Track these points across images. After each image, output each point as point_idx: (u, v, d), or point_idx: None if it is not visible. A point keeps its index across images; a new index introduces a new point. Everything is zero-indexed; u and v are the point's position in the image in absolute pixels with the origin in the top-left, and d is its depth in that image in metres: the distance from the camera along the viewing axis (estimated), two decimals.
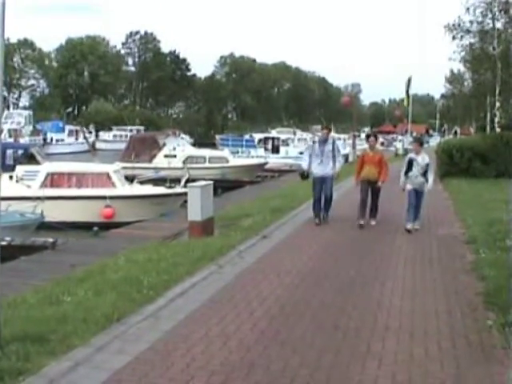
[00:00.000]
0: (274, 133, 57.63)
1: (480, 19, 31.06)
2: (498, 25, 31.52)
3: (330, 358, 5.80)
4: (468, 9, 30.57)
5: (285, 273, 9.17)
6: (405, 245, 11.77)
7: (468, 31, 31.52)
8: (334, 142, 14.20)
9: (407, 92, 47.43)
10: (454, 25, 31.23)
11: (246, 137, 53.38)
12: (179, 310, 7.21)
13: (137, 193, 20.87)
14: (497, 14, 31.04)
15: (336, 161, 13.98)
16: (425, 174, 13.00)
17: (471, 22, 31.21)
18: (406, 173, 13.05)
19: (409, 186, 13.03)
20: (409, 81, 47.23)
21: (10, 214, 15.19)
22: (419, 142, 13.91)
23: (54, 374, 5.24)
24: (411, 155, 13.33)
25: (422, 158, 13.02)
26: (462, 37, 31.56)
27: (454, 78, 62.95)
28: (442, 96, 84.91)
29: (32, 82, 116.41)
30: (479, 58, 32.93)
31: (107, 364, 5.52)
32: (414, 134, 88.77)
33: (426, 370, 5.52)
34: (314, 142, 14.57)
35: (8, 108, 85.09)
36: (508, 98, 32.89)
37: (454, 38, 31.52)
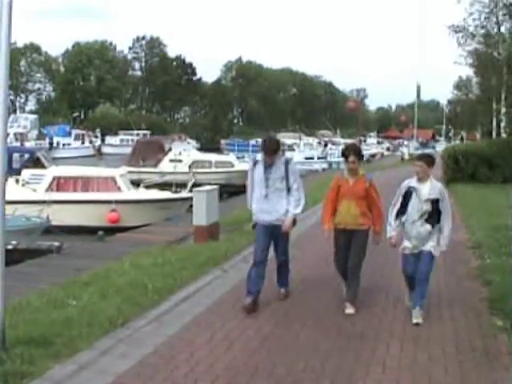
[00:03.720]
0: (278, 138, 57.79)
1: (484, 23, 31.08)
2: (503, 29, 31.54)
3: (335, 363, 5.80)
4: (472, 14, 30.61)
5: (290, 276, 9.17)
6: None
7: (473, 35, 31.51)
8: (287, 164, 7.81)
9: (417, 97, 47.52)
10: (458, 26, 31.23)
11: (252, 142, 53.41)
12: (183, 315, 7.22)
13: (142, 197, 20.88)
14: (501, 18, 31.04)
15: (291, 199, 7.82)
16: (433, 217, 7.18)
17: (476, 27, 31.24)
18: (399, 214, 7.38)
19: (406, 247, 7.36)
20: (418, 88, 47.27)
21: (16, 217, 15.22)
22: (428, 159, 7.43)
23: (59, 377, 5.26)
24: (411, 182, 7.35)
25: (431, 188, 7.21)
26: (466, 40, 31.57)
27: (461, 84, 62.92)
28: (449, 102, 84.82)
29: (38, 86, 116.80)
30: (485, 63, 32.91)
31: (111, 368, 5.54)
32: (420, 140, 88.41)
33: (429, 375, 5.52)
34: (255, 162, 7.95)
35: (15, 112, 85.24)
36: None
37: (459, 41, 31.53)
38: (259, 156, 7.88)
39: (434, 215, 7.18)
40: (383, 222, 7.65)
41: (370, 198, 7.68)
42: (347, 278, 7.78)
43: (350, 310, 7.54)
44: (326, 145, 56.97)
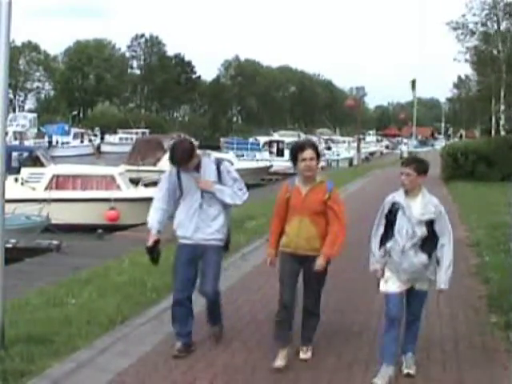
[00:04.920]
0: (276, 136, 57.58)
1: (484, 21, 31.11)
2: (503, 27, 31.56)
3: (333, 361, 5.81)
4: (472, 8, 30.63)
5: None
6: None
7: (472, 32, 31.53)
8: (218, 166, 6.09)
9: (413, 94, 47.51)
10: (457, 23, 31.24)
11: (251, 140, 53.36)
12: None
13: (142, 195, 20.84)
14: (501, 16, 31.06)
15: (224, 212, 6.10)
16: (430, 244, 5.42)
17: (476, 24, 31.26)
18: (384, 240, 5.55)
19: (391, 283, 5.50)
20: (413, 83, 47.23)
21: (15, 216, 15.22)
22: (418, 165, 5.52)
23: (58, 375, 5.27)
24: (396, 197, 5.55)
25: (424, 205, 5.45)
26: (465, 36, 31.59)
27: (460, 82, 63.04)
28: (448, 100, 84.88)
29: (37, 84, 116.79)
30: (484, 60, 32.94)
31: (110, 366, 5.55)
32: (419, 138, 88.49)
33: (428, 373, 5.52)
34: (176, 171, 6.08)
35: (14, 110, 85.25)
36: None
37: (458, 38, 31.55)
38: None
39: (431, 241, 5.37)
40: (340, 247, 5.67)
41: (331, 213, 5.66)
42: (292, 317, 5.79)
43: (305, 355, 5.85)
44: (329, 148, 56.14)
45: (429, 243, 5.38)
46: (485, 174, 25.41)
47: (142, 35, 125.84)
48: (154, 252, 6.13)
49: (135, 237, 15.03)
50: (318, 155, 5.74)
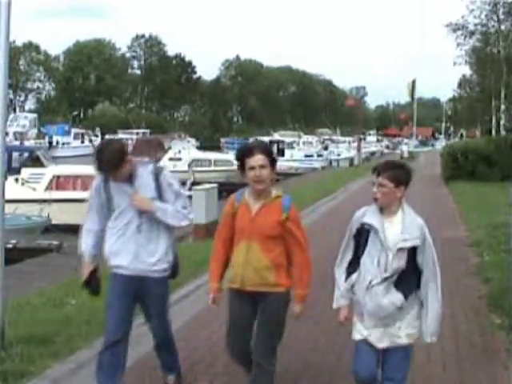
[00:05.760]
0: (276, 136, 57.65)
1: (485, 21, 31.12)
2: (503, 27, 31.56)
3: (333, 361, 5.81)
4: (472, 10, 30.63)
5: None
6: None
7: (472, 33, 31.55)
8: (157, 176, 4.75)
9: (412, 95, 47.52)
10: (456, 24, 31.26)
11: (252, 140, 53.38)
12: (183, 313, 7.21)
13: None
14: (502, 16, 31.06)
15: (168, 233, 4.83)
16: (408, 281, 4.09)
17: (476, 25, 31.26)
18: (351, 269, 4.23)
19: (358, 330, 4.20)
20: (413, 83, 47.27)
21: (15, 216, 15.22)
22: (395, 173, 4.10)
23: (58, 375, 5.27)
24: (367, 214, 4.17)
25: (404, 227, 4.07)
26: (465, 37, 31.60)
27: (464, 82, 63.05)
28: (449, 99, 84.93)
29: (38, 84, 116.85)
30: (484, 60, 32.96)
31: None
32: (420, 138, 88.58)
33: (428, 373, 5.52)
34: (104, 182, 4.72)
35: (14, 111, 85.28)
36: None
37: (457, 42, 31.57)
38: None
39: (410, 276, 4.05)
40: (309, 284, 4.44)
41: (290, 239, 4.37)
42: (251, 366, 4.51)
43: None
44: (326, 148, 55.83)
45: (407, 279, 4.01)
46: (485, 174, 25.40)
47: (143, 35, 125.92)
48: (91, 284, 4.99)
49: None
50: (274, 161, 4.38)
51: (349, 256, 4.21)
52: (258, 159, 4.28)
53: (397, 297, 4.00)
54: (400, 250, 3.97)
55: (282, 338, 4.53)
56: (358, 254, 4.12)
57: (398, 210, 4.07)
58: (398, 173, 4.06)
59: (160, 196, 4.67)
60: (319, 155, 51.38)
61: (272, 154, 4.44)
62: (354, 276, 4.12)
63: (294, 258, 4.38)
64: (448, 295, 8.19)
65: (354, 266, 4.15)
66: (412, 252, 4.01)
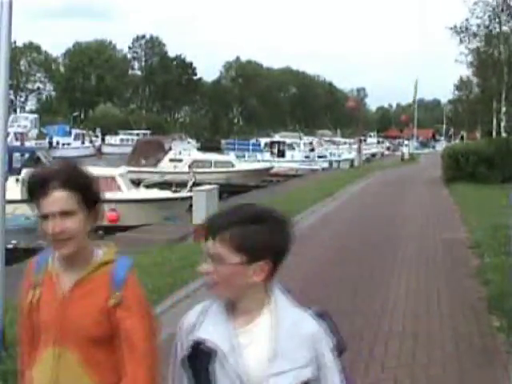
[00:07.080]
0: (277, 137, 57.60)
1: (487, 23, 31.11)
2: (505, 29, 31.56)
3: None
4: (474, 12, 30.62)
5: (288, 278, 9.19)
6: (409, 248, 11.76)
7: (475, 35, 31.54)
8: None
9: (414, 96, 47.61)
10: (460, 27, 31.27)
11: (252, 141, 53.36)
12: (183, 314, 7.20)
13: (142, 197, 20.88)
14: (503, 18, 31.06)
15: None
16: None
17: (478, 26, 31.25)
18: None
19: None
20: (415, 84, 47.35)
21: (16, 217, 15.21)
22: (240, 234, 1.99)
23: None
24: (199, 326, 2.20)
25: (277, 348, 1.96)
26: (469, 39, 31.60)
27: (462, 84, 63.01)
28: (450, 101, 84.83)
29: (38, 85, 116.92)
30: (485, 62, 32.95)
31: None
32: (420, 139, 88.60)
33: (428, 374, 5.52)
34: None
35: (15, 111, 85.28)
36: None
37: (461, 41, 31.55)
38: None
39: None
40: None
41: (124, 337, 2.39)
42: None
43: None
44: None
45: None
46: (486, 176, 25.37)
47: (143, 36, 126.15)
48: None
49: (136, 238, 15.05)
50: (94, 197, 2.59)
51: None
52: (55, 199, 2.26)
53: None
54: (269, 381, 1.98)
55: None
56: None
57: (263, 308, 2.09)
58: (253, 232, 2.03)
59: None
60: (320, 156, 51.32)
61: (90, 182, 2.48)
62: None
63: (126, 368, 2.39)
64: (448, 297, 8.21)
65: None
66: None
